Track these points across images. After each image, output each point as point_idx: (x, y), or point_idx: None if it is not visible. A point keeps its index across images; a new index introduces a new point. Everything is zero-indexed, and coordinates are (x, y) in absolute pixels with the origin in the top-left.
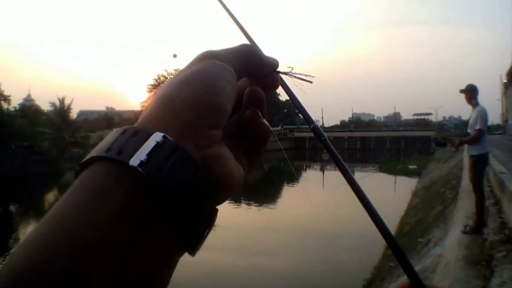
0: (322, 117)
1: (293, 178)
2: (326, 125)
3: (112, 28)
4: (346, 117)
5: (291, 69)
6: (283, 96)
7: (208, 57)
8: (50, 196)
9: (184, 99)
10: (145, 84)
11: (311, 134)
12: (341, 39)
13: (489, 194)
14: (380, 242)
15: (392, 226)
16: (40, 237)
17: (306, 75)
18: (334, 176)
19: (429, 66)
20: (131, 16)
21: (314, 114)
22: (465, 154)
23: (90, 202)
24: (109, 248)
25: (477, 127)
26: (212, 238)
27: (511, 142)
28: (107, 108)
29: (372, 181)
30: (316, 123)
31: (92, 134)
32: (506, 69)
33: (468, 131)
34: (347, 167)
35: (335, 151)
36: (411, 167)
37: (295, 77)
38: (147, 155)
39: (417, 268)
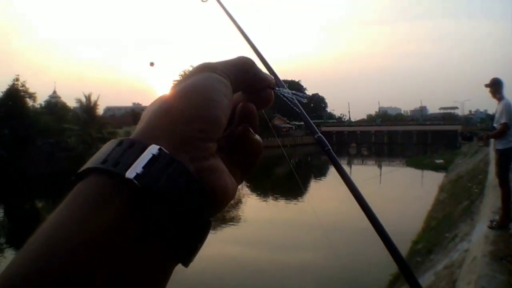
0: (349, 111)
1: (321, 172)
2: (353, 119)
3: (137, 25)
4: (372, 111)
5: (286, 85)
6: (309, 90)
7: (205, 69)
8: None
9: (180, 111)
10: (171, 80)
11: (338, 128)
12: (366, 33)
13: None
14: (407, 237)
15: (419, 220)
16: (34, 247)
17: (300, 94)
18: (361, 170)
19: (454, 60)
20: (151, 14)
21: (341, 108)
22: (492, 148)
23: (86, 214)
24: (103, 259)
25: (502, 121)
26: (241, 232)
27: None
28: (134, 104)
29: (400, 175)
30: (319, 134)
31: (119, 130)
32: None
33: (494, 125)
34: (350, 178)
35: (338, 161)
36: (438, 161)
37: (286, 96)
38: (143, 167)
39: (443, 263)
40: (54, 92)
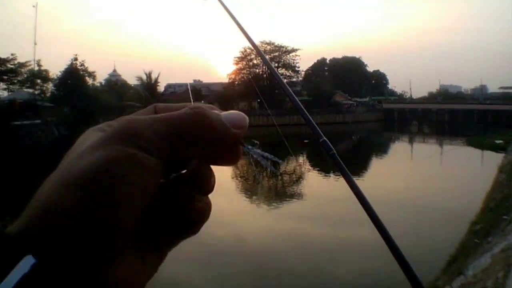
0: (410, 89)
1: (382, 149)
2: (414, 96)
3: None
4: (433, 88)
5: (257, 143)
6: (370, 67)
7: (119, 139)
8: None
9: (66, 211)
10: (232, 57)
11: (400, 105)
12: (427, 7)
13: None
14: (466, 218)
15: (479, 200)
16: None
17: (274, 158)
18: (422, 148)
19: None
20: None
21: (402, 85)
22: None
23: None
24: None
25: None
26: (301, 208)
27: None
28: (195, 80)
29: (460, 154)
30: (324, 138)
31: None
32: None
33: None
34: (355, 181)
35: (343, 165)
36: (497, 141)
37: (257, 157)
38: (14, 286)
39: (501, 246)
40: (114, 70)
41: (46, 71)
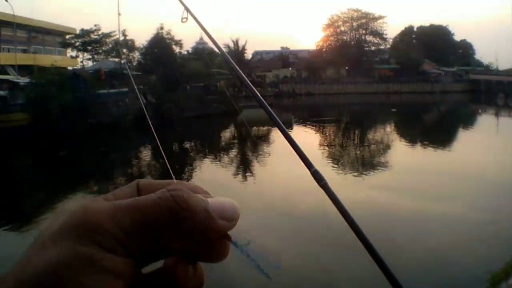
0: (497, 59)
1: (470, 121)
2: (500, 68)
3: None
4: None
5: (247, 242)
6: (457, 36)
7: (74, 235)
8: (226, 133)
9: None
10: (320, 24)
11: (487, 77)
12: None
13: None
14: None
15: None
16: None
17: (268, 259)
18: (509, 122)
19: None
20: None
21: (488, 56)
22: None
23: None
24: None
25: None
26: (386, 178)
27: None
28: (282, 48)
29: None
30: (315, 167)
31: (268, 73)
32: None
33: None
34: (348, 212)
35: (336, 196)
36: None
37: (243, 255)
38: None
39: None
40: (201, 38)
41: (132, 40)
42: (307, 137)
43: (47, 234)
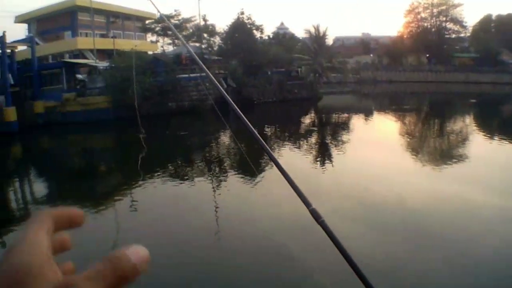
0: None
1: None
2: None
3: None
4: None
5: None
6: None
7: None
8: (306, 119)
9: None
10: (401, 10)
11: None
12: None
13: None
14: None
15: None
16: None
17: None
18: None
19: None
20: None
21: None
22: None
23: None
24: None
25: None
26: (462, 171)
27: None
28: (363, 34)
29: None
30: (312, 206)
31: (349, 59)
32: None
33: None
34: (345, 249)
35: (333, 233)
36: None
37: None
38: None
39: None
40: (282, 23)
41: (212, 25)
42: (386, 125)
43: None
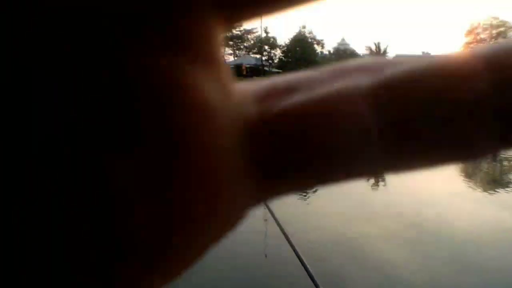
0: None
1: None
2: None
3: None
4: None
5: None
6: None
7: None
8: None
9: None
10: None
11: None
12: None
13: None
14: None
15: None
16: None
17: None
18: None
19: None
20: None
21: None
22: None
23: None
24: None
25: None
26: None
27: None
28: (423, 52)
29: None
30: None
31: None
32: None
33: None
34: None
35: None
36: None
37: None
38: None
39: None
40: (343, 39)
41: (274, 38)
42: None
43: None
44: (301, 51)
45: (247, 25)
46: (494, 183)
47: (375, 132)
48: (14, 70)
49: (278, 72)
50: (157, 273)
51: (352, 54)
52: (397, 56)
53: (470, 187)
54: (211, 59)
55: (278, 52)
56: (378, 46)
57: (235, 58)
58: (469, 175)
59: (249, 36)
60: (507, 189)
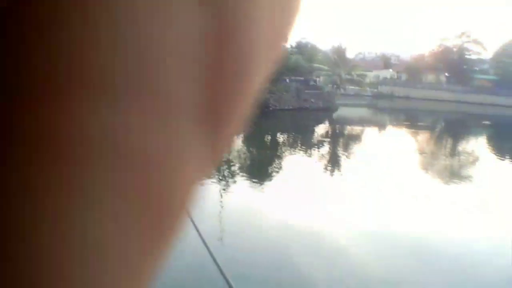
0: None
1: None
2: None
3: None
4: None
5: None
6: None
7: None
8: (320, 129)
9: None
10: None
11: None
12: None
13: None
14: None
15: None
16: None
17: None
18: None
19: None
20: None
21: None
22: None
23: None
24: None
25: None
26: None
27: None
28: (385, 52)
29: None
30: None
31: (369, 73)
32: None
33: None
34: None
35: None
36: None
37: None
38: None
39: None
40: (304, 34)
41: None
42: (398, 140)
43: None
44: None
45: None
46: (450, 176)
47: None
48: None
49: None
50: None
51: (313, 48)
52: (359, 52)
53: (426, 181)
54: None
55: None
56: (339, 42)
57: None
58: (426, 169)
59: None
60: (461, 183)
